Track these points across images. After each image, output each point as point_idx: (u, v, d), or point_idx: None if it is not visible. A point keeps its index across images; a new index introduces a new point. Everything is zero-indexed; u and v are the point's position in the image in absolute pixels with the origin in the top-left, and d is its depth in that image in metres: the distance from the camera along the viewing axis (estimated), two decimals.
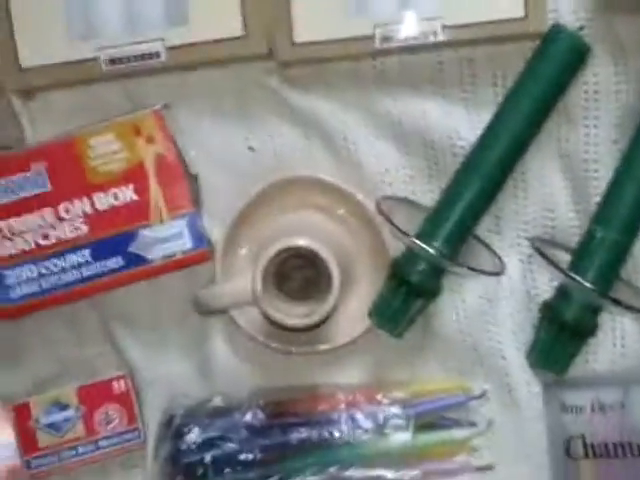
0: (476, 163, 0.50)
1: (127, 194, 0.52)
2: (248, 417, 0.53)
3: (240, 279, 0.51)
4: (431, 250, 0.49)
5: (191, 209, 0.52)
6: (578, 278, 0.48)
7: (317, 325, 0.49)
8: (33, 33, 0.52)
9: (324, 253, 0.47)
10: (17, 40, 0.52)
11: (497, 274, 0.51)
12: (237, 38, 0.51)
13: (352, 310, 0.53)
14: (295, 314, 0.48)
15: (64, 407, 0.55)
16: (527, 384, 0.52)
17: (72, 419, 0.55)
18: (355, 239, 0.53)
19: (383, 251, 0.52)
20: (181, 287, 0.55)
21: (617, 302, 0.48)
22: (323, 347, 0.52)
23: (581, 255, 0.50)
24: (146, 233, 0.52)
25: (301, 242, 0.47)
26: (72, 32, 0.52)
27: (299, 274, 0.52)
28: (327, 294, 0.47)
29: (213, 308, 0.52)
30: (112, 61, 0.52)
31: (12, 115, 0.54)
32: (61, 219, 0.52)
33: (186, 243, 0.52)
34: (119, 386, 0.55)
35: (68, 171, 0.51)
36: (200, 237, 0.52)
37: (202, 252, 0.52)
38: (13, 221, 0.52)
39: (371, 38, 0.51)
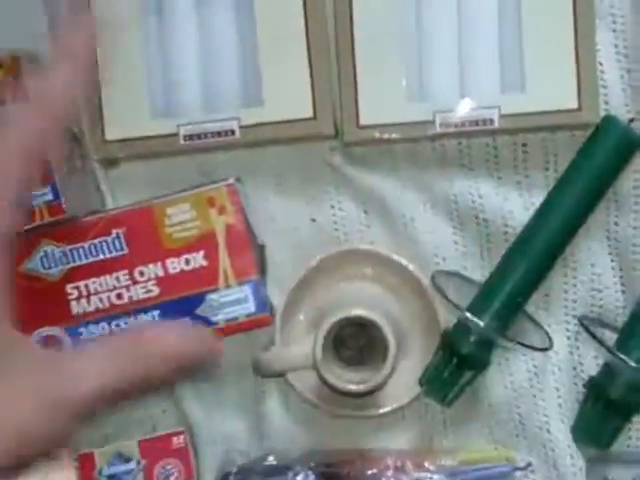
0: (527, 243, 0.53)
1: (198, 260, 0.55)
2: (300, 478, 0.55)
3: (299, 344, 0.54)
4: (482, 324, 0.51)
5: (256, 276, 0.55)
6: (624, 357, 0.50)
7: (371, 392, 0.52)
8: (118, 110, 0.56)
9: (382, 324, 0.50)
10: (104, 115, 0.56)
11: (545, 350, 0.54)
12: (307, 119, 0.55)
13: (403, 377, 0.55)
14: (351, 380, 0.51)
15: (126, 460, 0.58)
16: (571, 458, 0.54)
17: (133, 472, 0.57)
18: (408, 310, 0.56)
19: (435, 322, 0.55)
20: (241, 350, 0.58)
21: None
22: (374, 412, 0.55)
23: (627, 335, 0.52)
24: (213, 297, 0.55)
25: (362, 312, 0.50)
26: (154, 110, 0.56)
27: (354, 341, 0.55)
28: (382, 362, 0.50)
29: (273, 371, 0.54)
30: (190, 137, 0.56)
31: (95, 183, 0.58)
32: (135, 281, 0.55)
33: (250, 308, 0.55)
34: (178, 441, 0.58)
35: (145, 237, 0.55)
36: (263, 303, 0.55)
37: (264, 317, 0.55)
38: (91, 282, 0.56)
39: (431, 123, 0.54)
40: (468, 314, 0.52)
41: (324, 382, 0.51)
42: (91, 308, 0.56)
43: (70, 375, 0.35)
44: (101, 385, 0.35)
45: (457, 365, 0.52)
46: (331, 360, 0.52)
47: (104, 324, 0.56)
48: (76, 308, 0.56)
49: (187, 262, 0.55)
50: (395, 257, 0.56)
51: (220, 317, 0.55)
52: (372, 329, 0.51)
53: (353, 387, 0.50)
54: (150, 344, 0.36)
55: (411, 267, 0.55)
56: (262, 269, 0.56)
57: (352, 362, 0.54)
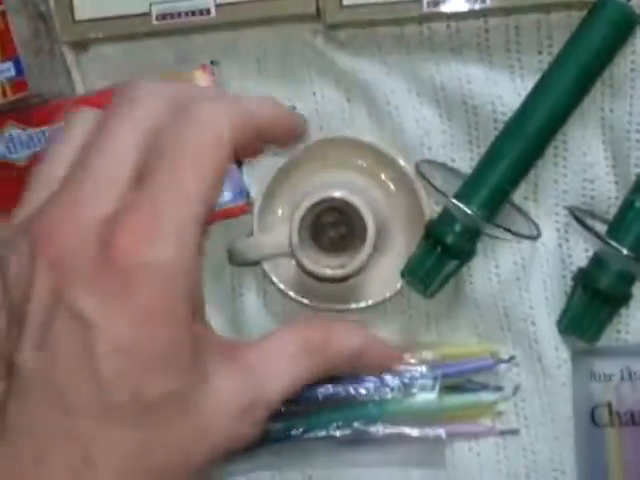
0: (517, 129, 0.51)
1: None
2: None
3: (277, 231, 0.51)
4: (468, 210, 0.49)
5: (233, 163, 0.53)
6: (614, 244, 0.48)
7: (350, 277, 0.50)
8: None
9: (359, 204, 0.47)
10: None
11: (532, 238, 0.51)
12: None
13: (385, 271, 0.53)
14: (329, 266, 0.49)
15: None
16: (556, 351, 0.52)
17: None
18: (392, 201, 0.54)
19: (419, 214, 0.53)
20: (217, 242, 0.55)
21: None
22: (354, 305, 0.53)
23: (618, 224, 0.50)
24: None
25: (337, 193, 0.48)
26: None
27: (334, 231, 0.53)
28: (362, 246, 0.48)
29: (248, 258, 0.52)
30: (163, 16, 0.53)
31: (64, 66, 0.56)
32: None
33: (226, 196, 0.53)
34: None
35: None
36: (240, 191, 0.53)
37: (241, 205, 0.53)
38: None
39: (418, 2, 0.51)
40: (453, 200, 0.49)
41: (301, 268, 0.49)
42: None
43: (261, 375, 0.33)
44: (292, 385, 0.34)
45: (441, 254, 0.50)
46: (309, 247, 0.50)
47: None
48: None
49: None
50: (379, 146, 0.53)
51: None
52: (352, 216, 0.49)
53: (330, 271, 0.48)
54: (340, 345, 0.37)
55: (395, 156, 0.53)
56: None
57: (333, 250, 0.52)
